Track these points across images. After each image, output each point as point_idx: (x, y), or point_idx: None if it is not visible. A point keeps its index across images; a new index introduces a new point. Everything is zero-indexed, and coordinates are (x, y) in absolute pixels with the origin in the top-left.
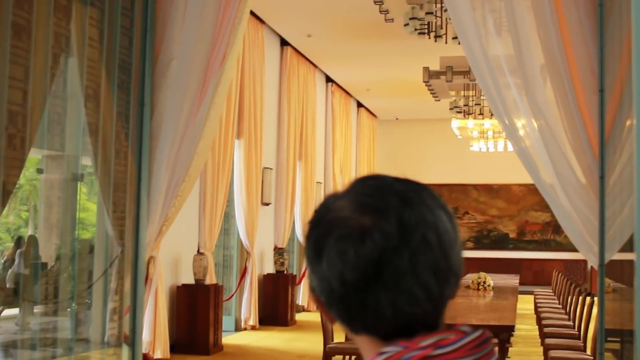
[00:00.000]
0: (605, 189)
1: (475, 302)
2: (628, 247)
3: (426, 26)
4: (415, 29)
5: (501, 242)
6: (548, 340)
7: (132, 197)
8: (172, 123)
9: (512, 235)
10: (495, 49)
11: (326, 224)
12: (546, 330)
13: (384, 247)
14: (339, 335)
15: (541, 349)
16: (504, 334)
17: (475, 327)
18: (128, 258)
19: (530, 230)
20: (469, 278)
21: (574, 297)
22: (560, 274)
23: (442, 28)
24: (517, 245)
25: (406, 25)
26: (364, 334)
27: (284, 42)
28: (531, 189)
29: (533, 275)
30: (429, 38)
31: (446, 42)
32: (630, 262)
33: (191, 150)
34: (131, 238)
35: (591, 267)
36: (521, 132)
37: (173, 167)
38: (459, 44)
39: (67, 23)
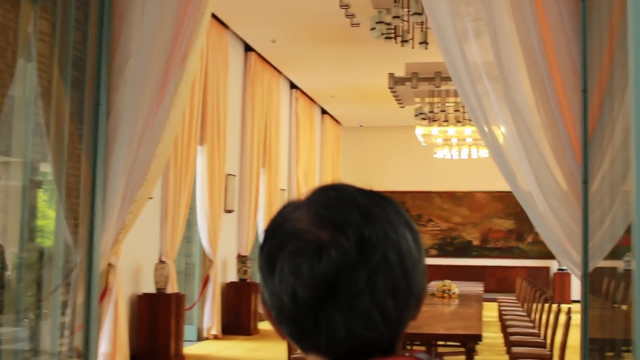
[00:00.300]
0: (588, 194)
1: (440, 311)
2: (608, 255)
3: (393, 30)
4: (382, 34)
5: (465, 249)
6: (515, 349)
7: (86, 203)
8: (130, 124)
9: (475, 242)
10: (474, 54)
11: (281, 235)
12: (512, 338)
13: (340, 265)
14: None
15: (507, 357)
16: (470, 343)
17: (443, 337)
18: (82, 268)
19: (494, 238)
20: (434, 285)
21: (538, 304)
22: (523, 281)
23: (409, 32)
24: (481, 252)
25: (372, 29)
26: (314, 354)
27: (248, 48)
28: (495, 197)
29: (497, 282)
30: (396, 43)
31: (413, 47)
32: (608, 269)
33: (150, 153)
34: (85, 247)
35: (554, 274)
36: (500, 140)
37: (130, 170)
38: (426, 48)
39: (16, 16)
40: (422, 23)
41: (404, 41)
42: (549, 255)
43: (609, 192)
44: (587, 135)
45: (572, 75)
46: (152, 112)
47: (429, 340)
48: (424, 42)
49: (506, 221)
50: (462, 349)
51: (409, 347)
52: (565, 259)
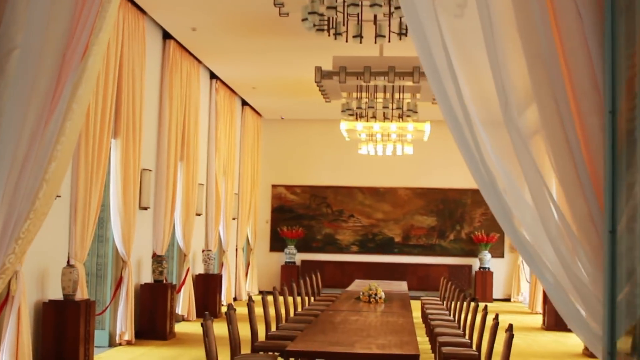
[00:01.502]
0: (616, 247)
1: (370, 321)
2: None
3: (326, 22)
4: (314, 25)
5: (386, 246)
6: (444, 349)
7: None
8: (12, 137)
9: (397, 239)
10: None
11: None
12: (444, 350)
13: None
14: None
15: None
16: None
17: (377, 357)
18: None
19: (416, 235)
20: (358, 285)
21: (459, 303)
22: (447, 281)
23: (343, 25)
24: (402, 249)
25: (304, 20)
26: None
27: (166, 35)
28: (417, 193)
29: (418, 280)
30: (329, 35)
31: (347, 41)
32: None
33: (38, 176)
34: None
35: (475, 272)
36: (495, 175)
37: (12, 198)
38: (360, 42)
39: None
40: (357, 15)
41: (337, 34)
42: (471, 253)
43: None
44: (616, 170)
45: (591, 91)
46: (42, 123)
47: None
48: (359, 36)
49: (428, 218)
50: None
51: None
52: (585, 333)
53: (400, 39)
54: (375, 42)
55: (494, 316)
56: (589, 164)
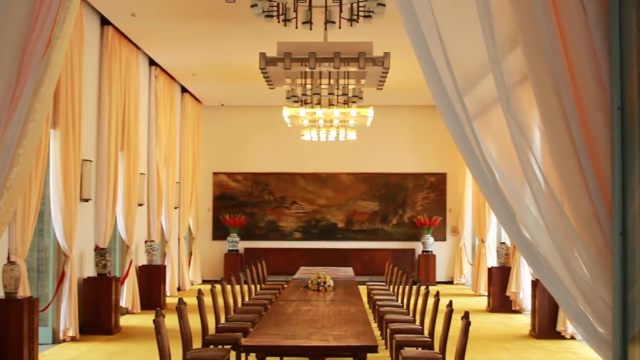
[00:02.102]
0: (628, 250)
1: (322, 311)
2: None
3: (275, 8)
4: (264, 11)
5: (330, 232)
6: (398, 338)
7: None
8: None
9: (340, 225)
10: (459, 57)
11: None
12: (397, 337)
13: None
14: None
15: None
16: (364, 353)
17: (334, 349)
18: None
19: (359, 220)
20: (305, 272)
21: (407, 287)
22: (392, 265)
23: (294, 11)
24: (346, 235)
25: (253, 6)
26: None
27: (104, 21)
28: (359, 178)
29: (362, 265)
30: (278, 22)
31: (296, 27)
32: None
33: None
34: None
35: (419, 255)
36: (495, 174)
37: None
38: (310, 29)
39: None
40: (307, 0)
41: (286, 20)
42: (414, 237)
43: None
44: (626, 170)
45: (595, 87)
46: (1, 125)
47: (319, 354)
48: (309, 22)
49: (371, 203)
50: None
51: None
52: (589, 336)
53: (351, 25)
54: (326, 29)
55: (447, 303)
56: (594, 162)
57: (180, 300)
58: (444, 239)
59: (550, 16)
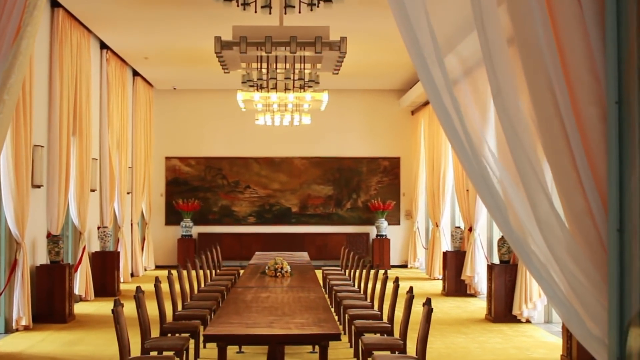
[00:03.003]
0: (625, 248)
1: (282, 298)
2: None
3: None
4: None
5: (284, 216)
6: (357, 324)
7: None
8: None
9: (294, 209)
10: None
11: None
12: (356, 324)
13: None
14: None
15: (345, 336)
16: (326, 341)
17: (296, 338)
18: None
19: (313, 204)
20: (260, 258)
21: (363, 271)
22: (347, 250)
23: None
24: (300, 219)
25: None
26: None
27: (54, 4)
28: (313, 162)
29: (316, 249)
30: (238, 6)
31: (256, 12)
32: None
33: None
34: None
35: (373, 239)
36: (492, 173)
37: None
38: (270, 13)
39: None
40: None
41: (245, 4)
42: (368, 221)
43: None
44: (624, 165)
45: (590, 80)
46: None
47: (282, 342)
48: (268, 6)
49: (325, 187)
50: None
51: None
52: (582, 335)
53: (311, 9)
54: (286, 13)
55: (407, 289)
56: (588, 157)
57: (138, 289)
58: (398, 223)
59: (544, 9)
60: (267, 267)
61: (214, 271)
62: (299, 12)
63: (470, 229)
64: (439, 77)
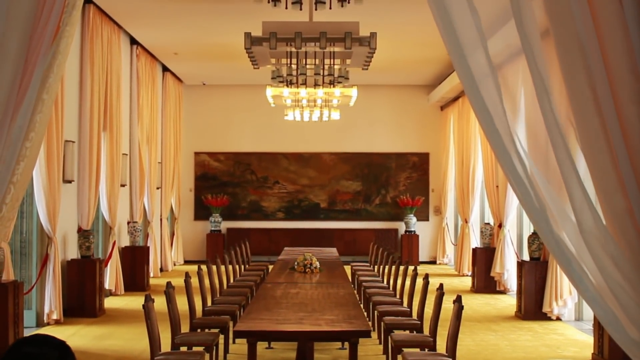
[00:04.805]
0: None
1: (311, 294)
2: None
3: None
4: None
5: (312, 212)
6: (387, 321)
7: None
8: None
9: (323, 205)
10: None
11: None
12: (387, 321)
13: None
14: (162, 333)
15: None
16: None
17: (327, 335)
18: None
19: (341, 200)
20: (289, 253)
21: (393, 267)
22: (376, 246)
23: None
24: (329, 215)
25: None
26: None
27: (86, 0)
28: (342, 158)
29: (345, 245)
30: (269, 2)
31: (286, 7)
32: None
33: (5, 179)
34: None
35: (401, 235)
36: (519, 167)
37: None
38: (300, 9)
39: None
40: None
41: (275, 0)
42: (396, 217)
43: None
44: None
45: (630, 79)
46: (8, 118)
47: (312, 339)
48: (298, 2)
49: (353, 183)
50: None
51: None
52: (620, 338)
53: (342, 5)
54: (316, 9)
55: (437, 286)
56: (630, 156)
57: (169, 284)
58: (427, 219)
59: (585, 7)
60: (296, 263)
61: (242, 266)
62: (330, 8)
63: (500, 225)
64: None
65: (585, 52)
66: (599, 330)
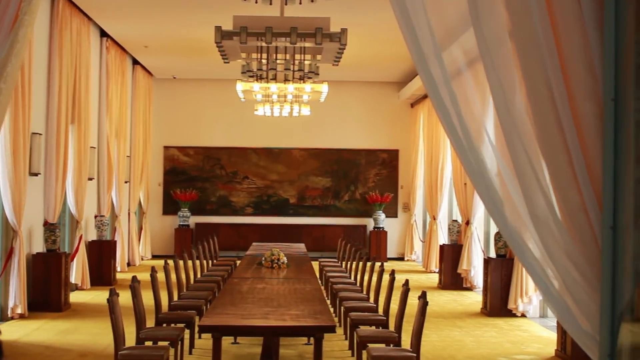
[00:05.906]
0: (618, 245)
1: (277, 289)
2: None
3: None
4: None
5: (281, 207)
6: (353, 315)
7: None
8: None
9: (292, 200)
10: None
11: None
12: (353, 316)
13: None
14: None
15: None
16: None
17: (291, 330)
18: None
19: (311, 196)
20: (257, 249)
21: (360, 263)
22: (344, 242)
23: None
24: (298, 210)
25: None
26: None
27: None
28: (312, 154)
29: (314, 241)
30: None
31: (256, 2)
32: None
33: None
34: None
35: (370, 232)
36: (489, 166)
37: None
38: (270, 3)
39: None
40: None
41: None
42: (365, 214)
43: None
44: (618, 163)
45: (587, 77)
46: None
47: (277, 334)
48: None
49: (323, 179)
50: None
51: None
52: (575, 332)
53: (312, 0)
54: (286, 4)
55: (403, 282)
56: (584, 153)
57: (134, 279)
58: (396, 216)
59: (543, 5)
60: (263, 258)
61: (210, 261)
62: (300, 3)
63: (468, 223)
64: (437, 72)
65: (542, 50)
66: (562, 327)
